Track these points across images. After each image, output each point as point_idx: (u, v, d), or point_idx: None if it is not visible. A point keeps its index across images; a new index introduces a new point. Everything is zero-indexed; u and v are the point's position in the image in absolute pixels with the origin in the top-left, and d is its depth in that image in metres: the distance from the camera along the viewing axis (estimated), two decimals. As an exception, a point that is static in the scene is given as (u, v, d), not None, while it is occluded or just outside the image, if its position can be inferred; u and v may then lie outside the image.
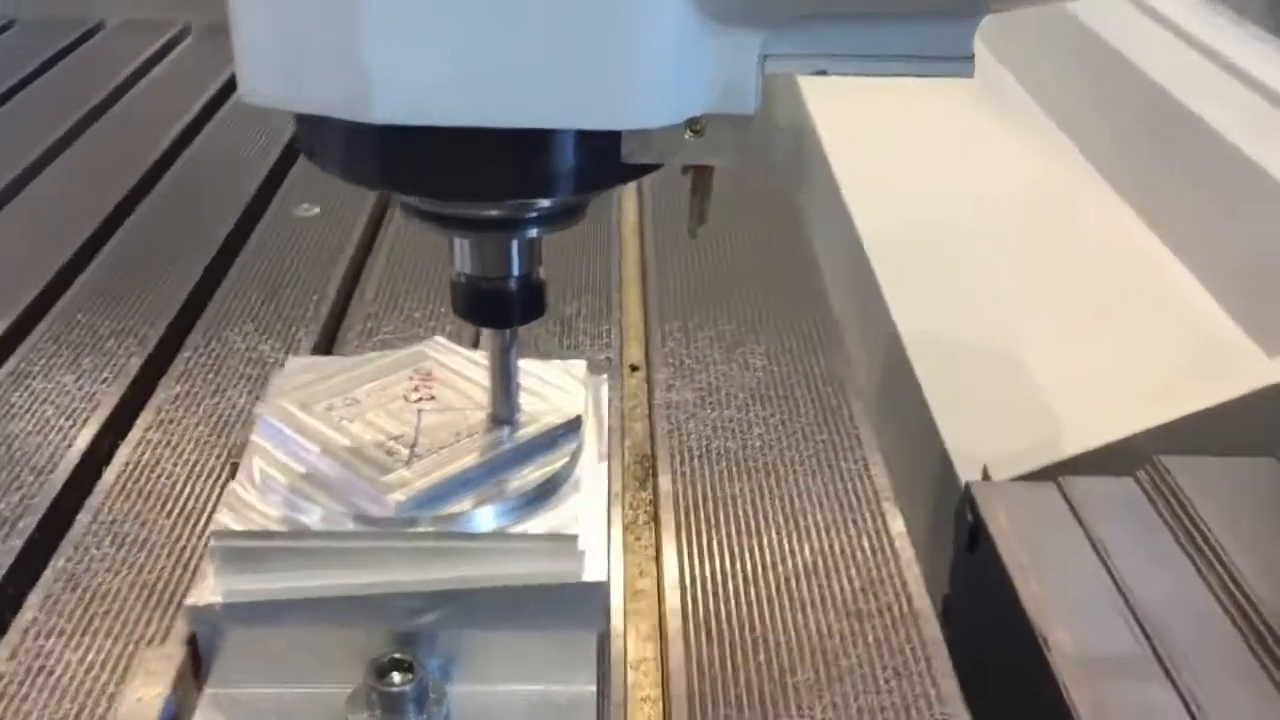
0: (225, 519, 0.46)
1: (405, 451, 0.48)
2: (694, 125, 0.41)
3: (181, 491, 0.61)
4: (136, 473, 0.63)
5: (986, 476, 0.97)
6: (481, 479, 0.48)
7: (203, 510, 0.60)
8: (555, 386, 0.53)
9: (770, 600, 0.55)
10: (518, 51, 0.37)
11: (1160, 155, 1.58)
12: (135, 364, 0.73)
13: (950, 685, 0.51)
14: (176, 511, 0.60)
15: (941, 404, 1.08)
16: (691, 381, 0.72)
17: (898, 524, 0.60)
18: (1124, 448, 1.18)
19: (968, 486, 0.88)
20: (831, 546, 0.59)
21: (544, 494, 0.48)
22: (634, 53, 0.38)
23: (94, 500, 0.60)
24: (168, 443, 0.65)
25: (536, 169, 0.41)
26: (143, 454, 0.64)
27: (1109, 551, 0.84)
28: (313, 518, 0.46)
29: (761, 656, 0.52)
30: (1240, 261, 1.35)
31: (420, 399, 0.52)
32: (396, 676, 0.45)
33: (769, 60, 0.40)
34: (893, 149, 1.51)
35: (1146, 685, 0.74)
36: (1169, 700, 0.72)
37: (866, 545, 0.59)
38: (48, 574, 0.55)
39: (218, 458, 0.64)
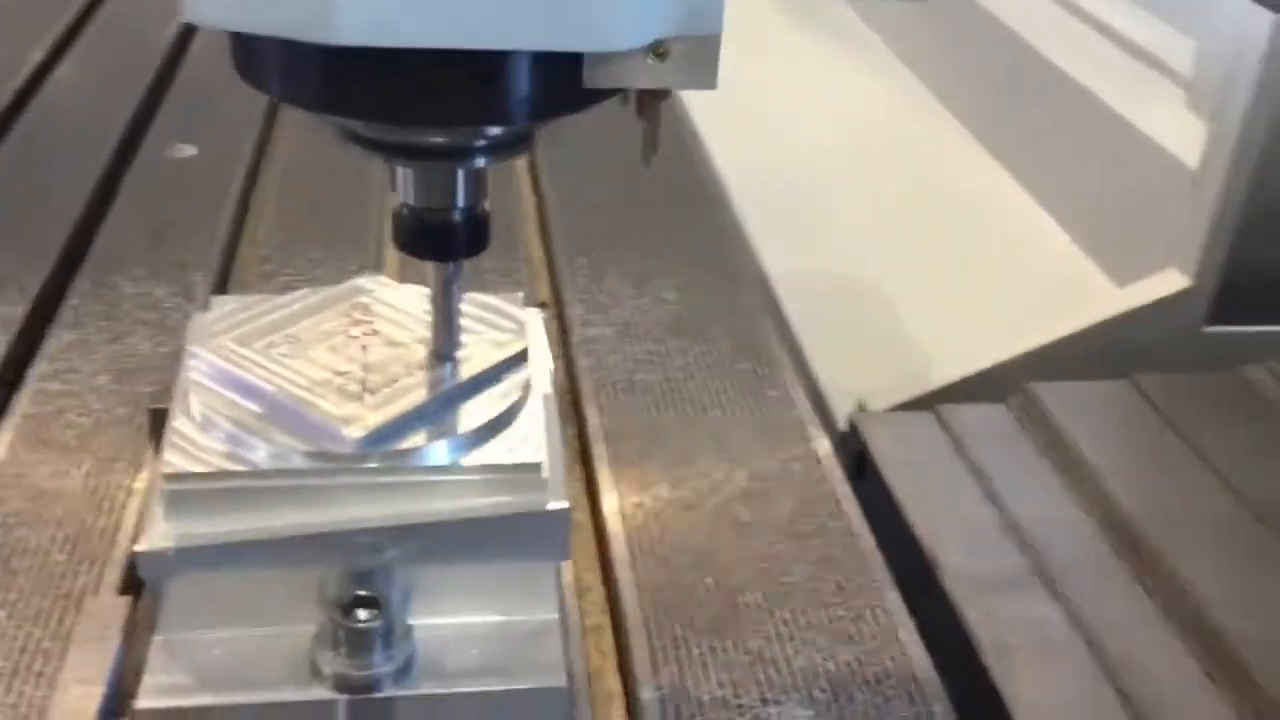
0: (175, 460, 0.44)
1: (357, 387, 0.47)
2: (657, 49, 0.40)
3: (90, 442, 0.59)
4: (37, 426, 0.60)
5: (862, 409, 1.00)
6: (436, 412, 0.47)
7: (117, 458, 0.57)
8: (494, 319, 0.53)
9: (711, 525, 0.56)
10: None
11: (1011, 96, 1.65)
12: (19, 312, 0.69)
13: (894, 596, 0.53)
14: (90, 461, 0.57)
15: (811, 341, 1.11)
16: (606, 317, 0.72)
17: (824, 446, 0.62)
18: (992, 375, 1.24)
19: (851, 417, 0.91)
20: (763, 471, 0.60)
21: (499, 426, 0.47)
22: None
23: (-4, 454, 0.57)
24: (69, 393, 0.62)
25: (496, 94, 0.40)
26: (43, 405, 0.61)
27: (988, 475, 0.89)
28: (264, 456, 0.45)
29: (710, 580, 0.53)
30: (1090, 198, 1.42)
31: (363, 334, 0.50)
32: (362, 614, 0.44)
33: None
34: (743, 92, 1.53)
35: (1032, 599, 0.78)
36: (1052, 612, 0.77)
37: (798, 468, 0.60)
38: (-42, 531, 0.52)
39: (125, 406, 0.61)
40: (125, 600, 0.46)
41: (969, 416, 0.97)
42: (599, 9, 0.38)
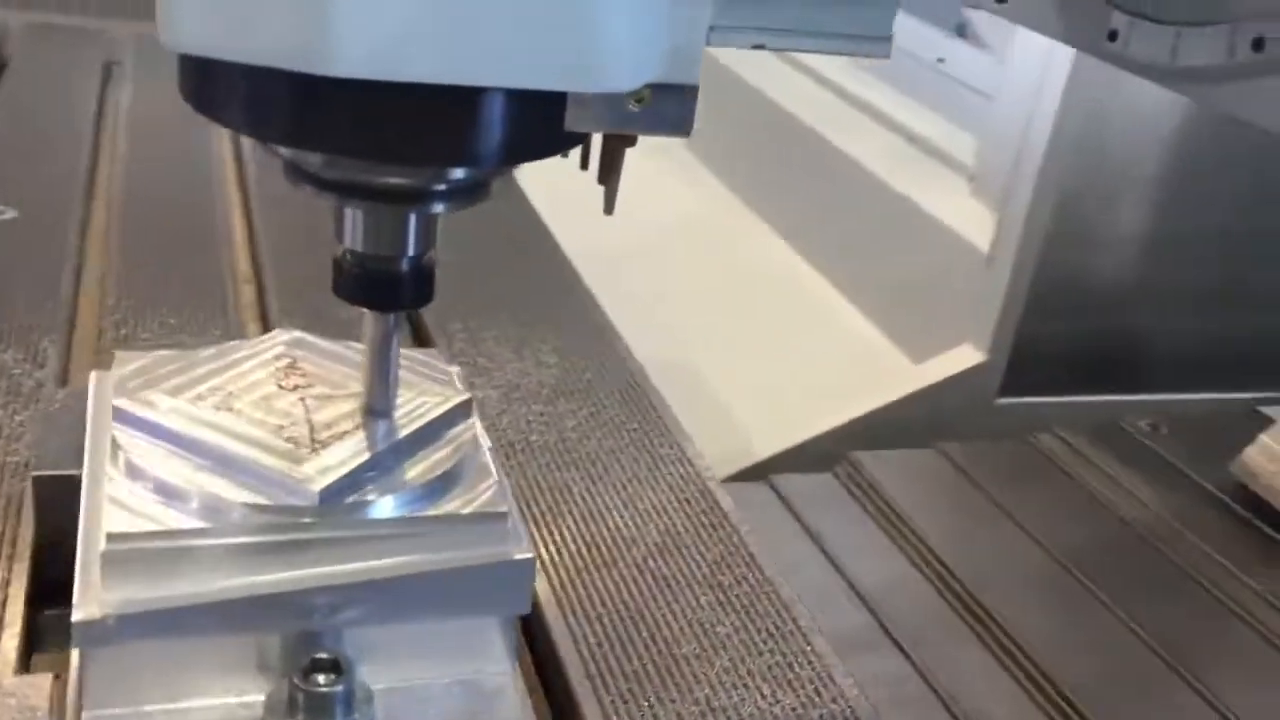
0: (118, 521, 0.41)
1: (307, 439, 0.45)
2: (637, 95, 0.41)
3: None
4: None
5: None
6: (389, 465, 0.45)
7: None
8: (423, 371, 0.51)
9: (634, 581, 0.56)
10: (492, 9, 0.36)
11: (802, 186, 1.74)
12: None
13: (821, 641, 0.54)
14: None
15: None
16: (490, 380, 0.71)
17: (727, 501, 0.63)
18: (807, 448, 1.30)
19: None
20: (674, 527, 0.60)
21: (453, 477, 0.46)
22: (597, 13, 0.38)
23: None
24: (-79, 465, 0.56)
25: (475, 133, 0.40)
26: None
27: (824, 539, 0.93)
28: (212, 513, 0.42)
29: (645, 633, 0.53)
30: (885, 282, 1.52)
31: (296, 387, 0.48)
32: (321, 678, 0.42)
33: (714, 32, 0.41)
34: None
35: (882, 656, 0.82)
36: (901, 667, 0.81)
37: (706, 523, 0.61)
38: None
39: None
40: (47, 678, 0.42)
41: (800, 484, 1.02)
42: (598, 50, 0.38)
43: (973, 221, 1.34)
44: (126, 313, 0.72)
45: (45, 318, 0.71)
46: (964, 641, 0.84)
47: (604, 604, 0.54)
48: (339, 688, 0.42)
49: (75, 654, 0.43)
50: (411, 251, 0.45)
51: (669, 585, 0.56)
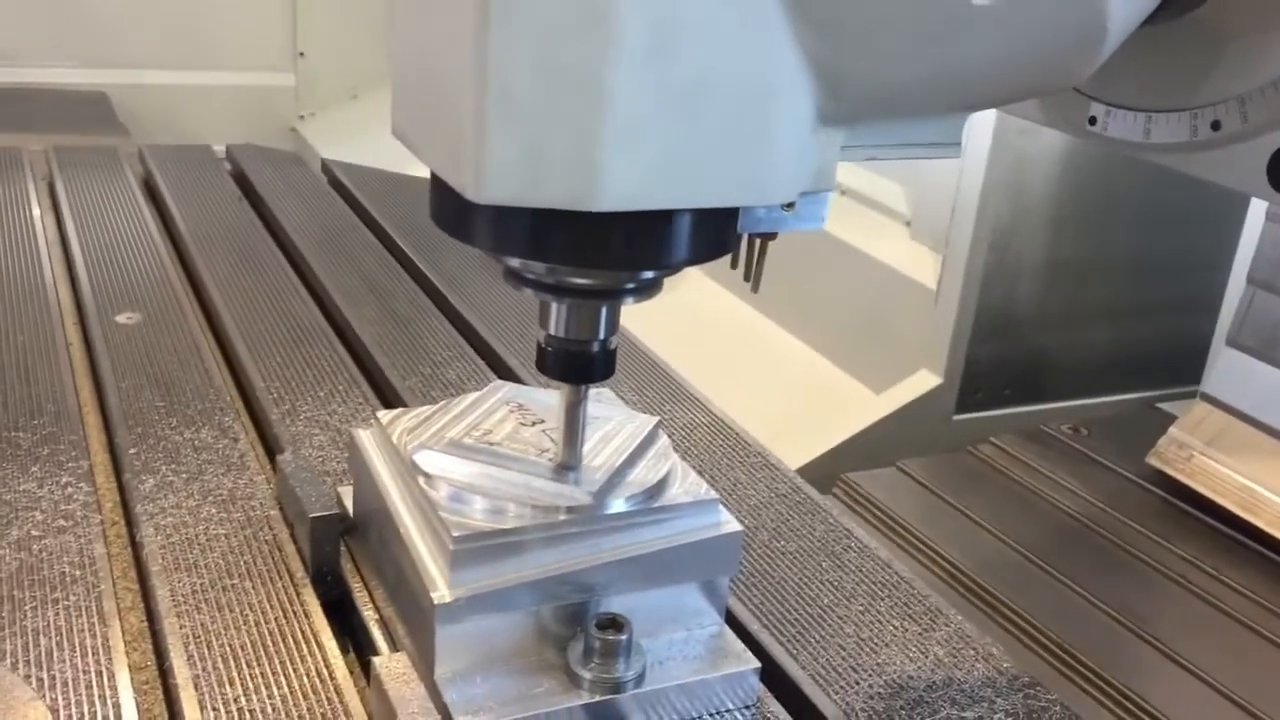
0: (456, 526, 0.55)
1: (563, 457, 0.60)
2: (790, 203, 0.53)
3: (238, 560, 0.66)
4: (178, 553, 0.66)
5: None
6: (627, 471, 0.60)
7: (272, 570, 0.65)
8: (609, 405, 0.67)
9: (767, 557, 0.72)
10: (704, 149, 0.47)
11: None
12: (84, 465, 0.74)
13: (923, 585, 0.70)
14: (257, 578, 0.64)
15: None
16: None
17: (814, 492, 0.79)
18: (802, 474, 1.46)
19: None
20: (782, 515, 0.76)
21: (669, 476, 0.61)
22: (772, 150, 0.49)
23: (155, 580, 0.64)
24: (184, 523, 0.68)
25: (672, 242, 0.50)
26: (168, 536, 0.67)
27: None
28: (520, 515, 0.56)
29: (791, 593, 0.68)
30: (832, 322, 1.70)
31: (535, 423, 0.63)
32: (608, 632, 0.56)
33: (843, 150, 0.53)
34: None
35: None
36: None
37: (805, 510, 0.77)
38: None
39: (247, 527, 0.69)
40: (401, 656, 0.56)
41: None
42: (772, 174, 0.50)
43: (915, 262, 1.53)
44: (279, 392, 0.85)
45: (215, 400, 0.83)
46: (982, 624, 0.99)
47: (751, 576, 0.70)
48: (623, 637, 0.56)
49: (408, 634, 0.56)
50: (601, 336, 0.57)
51: (795, 558, 0.72)
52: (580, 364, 0.57)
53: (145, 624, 0.62)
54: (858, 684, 0.62)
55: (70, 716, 0.54)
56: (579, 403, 0.60)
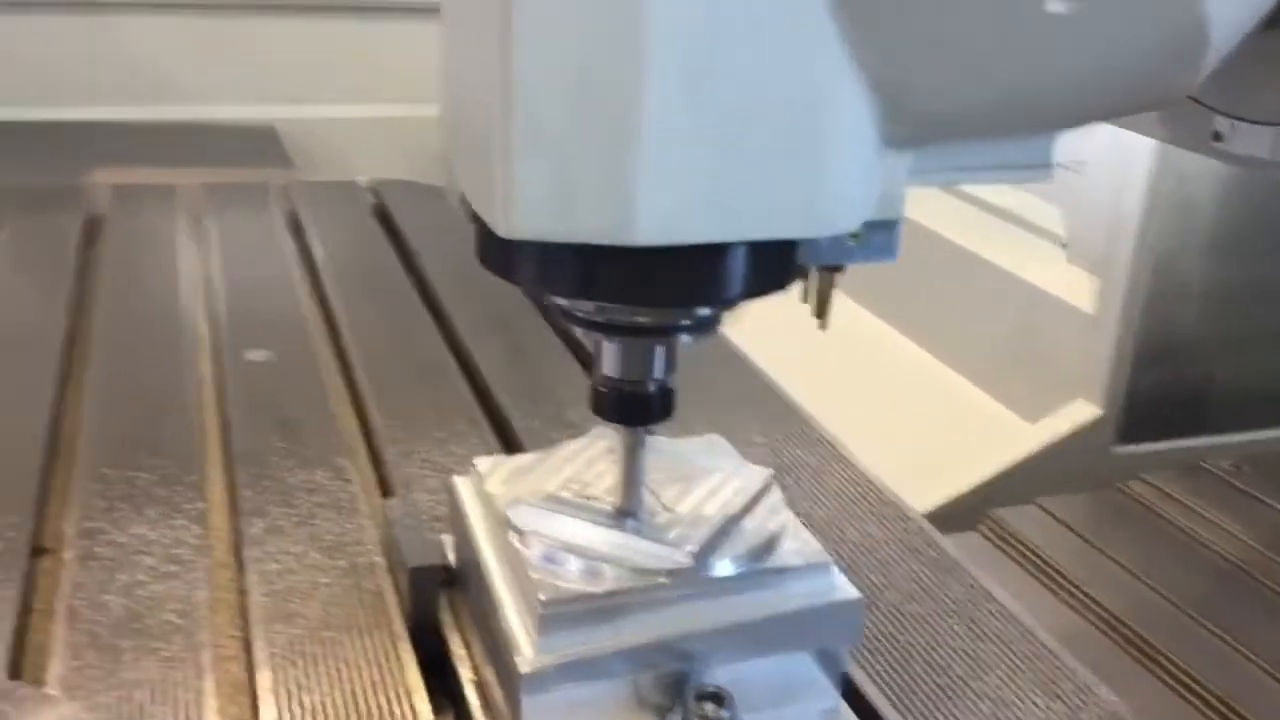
0: (546, 589, 0.52)
1: (664, 514, 0.56)
2: (854, 232, 0.48)
3: (337, 605, 0.64)
4: (283, 598, 0.65)
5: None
6: (732, 529, 0.56)
7: (375, 614, 0.63)
8: (718, 453, 0.63)
9: (897, 620, 0.67)
10: (750, 177, 0.43)
11: (906, 271, 1.85)
12: (201, 507, 0.74)
13: (1070, 658, 0.64)
14: (359, 617, 0.63)
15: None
16: (718, 464, 0.82)
17: (950, 545, 0.73)
18: (940, 512, 1.39)
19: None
20: (914, 573, 0.71)
21: (778, 536, 0.57)
22: (830, 176, 0.44)
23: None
24: (289, 570, 0.67)
25: (727, 277, 0.46)
26: (273, 584, 0.66)
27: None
28: (614, 577, 0.53)
29: (919, 663, 0.63)
30: (983, 349, 1.62)
31: (632, 475, 0.60)
32: (709, 706, 0.52)
33: (913, 175, 0.48)
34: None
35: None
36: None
37: (940, 567, 0.71)
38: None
39: (351, 575, 0.67)
40: (491, 721, 0.53)
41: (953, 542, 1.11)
42: (832, 203, 0.45)
43: (1072, 286, 1.45)
44: (398, 432, 0.84)
45: (335, 441, 0.83)
46: (1141, 681, 0.92)
47: (876, 640, 0.65)
48: (725, 713, 0.52)
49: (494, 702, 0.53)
50: (657, 375, 0.54)
51: (926, 621, 0.67)
52: (636, 405, 0.54)
53: (245, 675, 0.61)
54: (990, 769, 0.56)
55: (156, 775, 0.53)
56: (636, 446, 0.56)
